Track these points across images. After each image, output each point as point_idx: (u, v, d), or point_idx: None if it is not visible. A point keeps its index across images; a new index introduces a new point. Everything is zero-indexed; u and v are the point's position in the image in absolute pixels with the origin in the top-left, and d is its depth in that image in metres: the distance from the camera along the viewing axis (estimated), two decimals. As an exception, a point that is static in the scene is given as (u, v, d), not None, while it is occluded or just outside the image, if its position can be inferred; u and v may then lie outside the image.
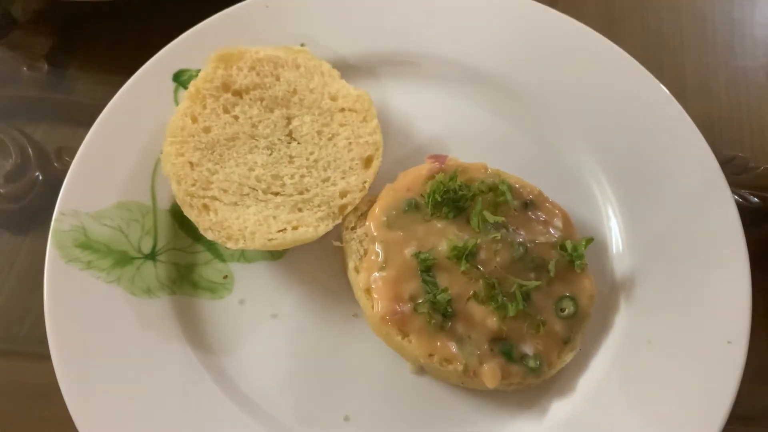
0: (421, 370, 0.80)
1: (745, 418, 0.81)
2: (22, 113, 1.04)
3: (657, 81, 0.92)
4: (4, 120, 1.02)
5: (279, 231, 0.80)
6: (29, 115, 1.04)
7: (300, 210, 0.82)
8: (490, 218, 0.79)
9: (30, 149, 0.99)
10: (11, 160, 0.98)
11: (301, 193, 0.83)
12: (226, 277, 0.85)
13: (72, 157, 0.85)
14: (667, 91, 0.91)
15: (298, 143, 0.87)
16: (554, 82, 0.95)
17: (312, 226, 0.81)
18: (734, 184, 0.89)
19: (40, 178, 0.97)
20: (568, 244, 0.80)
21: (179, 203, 0.81)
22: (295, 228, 0.80)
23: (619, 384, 0.77)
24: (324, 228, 0.81)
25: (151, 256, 0.84)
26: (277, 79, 0.89)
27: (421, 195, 0.82)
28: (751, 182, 0.99)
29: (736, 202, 0.85)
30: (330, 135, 0.87)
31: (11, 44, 1.11)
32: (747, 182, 0.99)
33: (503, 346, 0.75)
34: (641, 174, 0.88)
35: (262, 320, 0.82)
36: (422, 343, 0.74)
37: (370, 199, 0.85)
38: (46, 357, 0.75)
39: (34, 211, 0.95)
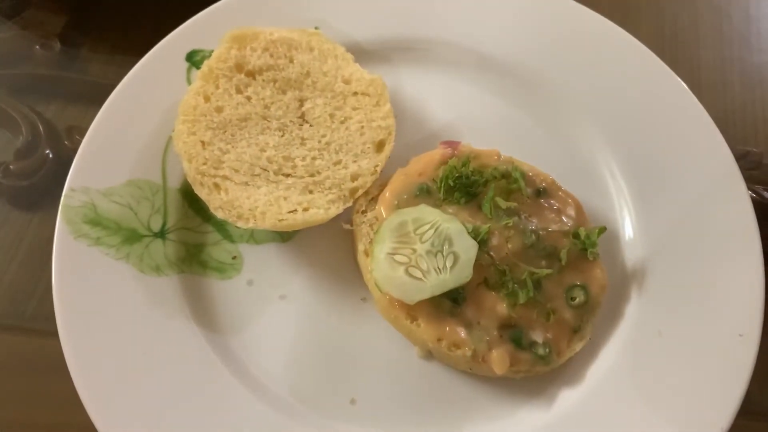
0: (429, 354, 0.79)
1: (756, 413, 0.81)
2: (34, 91, 1.04)
3: (673, 72, 0.91)
4: (15, 97, 1.02)
5: (289, 212, 0.79)
6: (41, 93, 1.04)
7: (311, 192, 0.82)
8: (503, 204, 0.79)
9: (41, 127, 0.99)
10: (22, 137, 0.98)
11: (312, 175, 0.83)
12: (234, 257, 0.84)
13: (82, 136, 0.85)
14: (682, 83, 0.91)
15: (310, 125, 0.86)
16: (569, 71, 0.94)
17: (322, 208, 0.80)
18: (747, 180, 0.88)
19: (50, 156, 0.97)
20: (582, 232, 0.79)
21: (190, 181, 0.80)
22: (305, 209, 0.80)
23: (629, 375, 0.76)
24: (334, 210, 0.81)
25: (161, 234, 0.83)
26: (291, 61, 0.89)
27: (433, 180, 0.82)
28: (764, 178, 0.98)
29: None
30: (342, 118, 0.87)
31: (24, 22, 1.11)
32: (760, 178, 0.98)
33: (513, 333, 0.75)
34: (655, 166, 0.88)
35: (270, 301, 0.82)
36: (431, 328, 0.74)
37: (381, 184, 0.84)
38: (53, 334, 0.74)
39: (43, 189, 0.95)
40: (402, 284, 0.73)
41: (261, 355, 0.79)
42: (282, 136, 0.85)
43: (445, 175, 0.80)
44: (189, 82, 0.91)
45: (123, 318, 0.76)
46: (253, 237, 0.86)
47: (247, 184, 0.81)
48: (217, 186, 0.80)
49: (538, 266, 0.77)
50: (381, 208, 0.80)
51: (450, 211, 0.79)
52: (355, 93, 0.88)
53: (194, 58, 0.92)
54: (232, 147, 0.83)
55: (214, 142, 0.83)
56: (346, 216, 0.83)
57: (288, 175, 0.83)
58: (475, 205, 0.80)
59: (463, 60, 0.96)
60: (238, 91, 0.87)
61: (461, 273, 0.73)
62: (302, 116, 0.87)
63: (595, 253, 0.79)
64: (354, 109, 0.87)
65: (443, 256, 0.74)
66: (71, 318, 0.75)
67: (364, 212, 0.83)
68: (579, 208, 0.83)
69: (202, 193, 0.80)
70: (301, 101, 0.88)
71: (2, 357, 0.85)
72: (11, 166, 0.96)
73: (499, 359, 0.73)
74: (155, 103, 0.88)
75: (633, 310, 0.80)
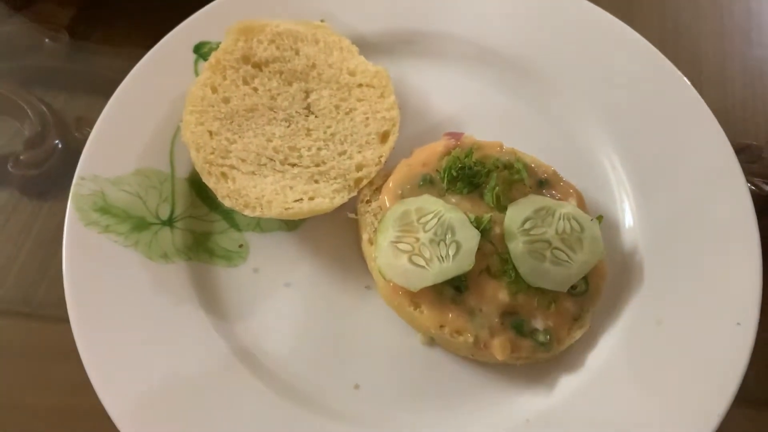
0: (431, 341, 0.80)
1: (752, 401, 0.82)
2: (43, 83, 1.05)
3: (674, 66, 0.92)
4: (24, 89, 1.04)
5: (295, 201, 0.81)
6: (50, 84, 1.05)
7: (316, 181, 0.83)
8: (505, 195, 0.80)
9: (50, 117, 1.00)
10: (31, 127, 1.00)
11: (317, 165, 0.84)
12: (241, 245, 0.86)
13: (91, 126, 0.86)
14: (683, 76, 0.92)
15: (316, 116, 0.88)
16: (571, 64, 0.95)
17: (328, 198, 0.82)
18: (747, 173, 0.89)
19: (60, 146, 0.99)
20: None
21: (198, 170, 0.82)
22: (311, 198, 0.81)
23: (627, 362, 0.77)
24: (339, 200, 0.82)
25: (169, 222, 0.85)
26: (297, 53, 0.90)
27: (436, 170, 0.83)
28: (764, 171, 0.99)
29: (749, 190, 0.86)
30: (347, 109, 0.88)
31: (33, 15, 1.12)
32: (759, 171, 0.99)
33: (514, 321, 0.76)
34: (656, 158, 0.89)
35: (276, 289, 0.83)
36: (434, 315, 0.75)
37: (385, 174, 0.86)
38: (61, 319, 0.76)
39: (52, 178, 0.97)
40: (405, 272, 0.74)
41: (266, 341, 0.80)
42: (288, 126, 0.86)
43: (448, 166, 0.81)
44: (196, 73, 0.92)
45: (132, 304, 0.78)
46: (260, 225, 0.87)
47: (253, 173, 0.83)
48: (224, 175, 0.82)
49: (539, 255, 0.78)
50: (385, 198, 0.82)
51: (453, 201, 0.81)
52: (360, 85, 0.89)
53: (201, 50, 0.93)
54: (239, 137, 0.84)
55: (222, 132, 0.84)
56: (351, 205, 0.85)
57: (294, 165, 0.84)
58: (478, 195, 0.81)
59: (466, 53, 0.98)
60: (245, 83, 0.88)
61: (463, 261, 0.74)
62: (308, 107, 0.89)
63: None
64: (359, 100, 0.88)
65: (446, 244, 0.75)
66: (82, 304, 0.76)
67: (368, 202, 0.84)
68: (580, 199, 0.84)
69: (209, 182, 0.81)
70: (307, 92, 0.89)
71: (13, 342, 0.87)
72: (21, 156, 0.97)
73: (500, 346, 0.75)
74: (163, 94, 0.90)
75: (632, 299, 0.81)
